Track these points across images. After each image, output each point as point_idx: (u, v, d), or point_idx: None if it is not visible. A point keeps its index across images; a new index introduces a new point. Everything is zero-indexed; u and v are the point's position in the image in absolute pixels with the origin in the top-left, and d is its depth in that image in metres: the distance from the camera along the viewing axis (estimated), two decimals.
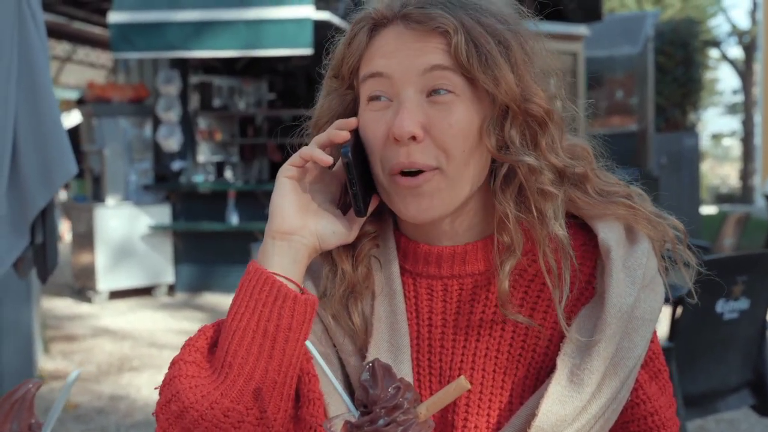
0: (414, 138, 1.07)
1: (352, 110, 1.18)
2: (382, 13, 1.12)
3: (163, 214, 8.94)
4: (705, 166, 26.00)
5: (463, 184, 1.11)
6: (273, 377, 1.05)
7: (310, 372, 1.10)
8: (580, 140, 1.20)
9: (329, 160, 1.10)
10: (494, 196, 1.13)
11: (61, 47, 13.93)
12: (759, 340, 3.22)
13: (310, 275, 1.22)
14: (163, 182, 9.15)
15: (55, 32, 12.22)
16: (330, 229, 1.13)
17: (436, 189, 1.10)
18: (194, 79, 9.58)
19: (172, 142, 8.97)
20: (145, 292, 8.90)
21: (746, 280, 3.05)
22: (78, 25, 11.91)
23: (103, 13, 8.77)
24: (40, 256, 2.98)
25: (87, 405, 5.14)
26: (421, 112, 1.08)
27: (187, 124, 9.29)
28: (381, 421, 0.94)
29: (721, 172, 35.15)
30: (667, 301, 1.19)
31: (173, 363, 1.08)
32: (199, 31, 8.16)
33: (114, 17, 8.11)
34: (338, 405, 1.10)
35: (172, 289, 8.97)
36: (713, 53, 26.23)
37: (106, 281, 8.64)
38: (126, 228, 8.76)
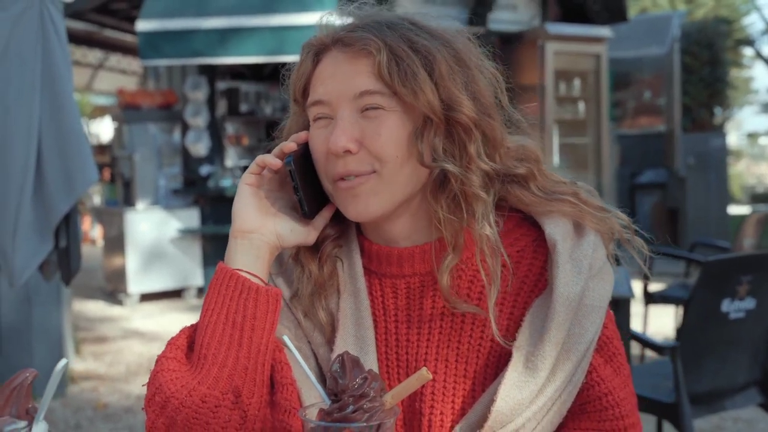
0: (349, 151, 1.19)
1: (308, 128, 1.29)
2: (322, 39, 1.25)
3: (191, 217, 9.08)
4: (741, 166, 25.70)
5: (399, 185, 1.22)
6: (244, 364, 1.16)
7: (282, 361, 1.21)
8: (530, 142, 1.30)
9: (278, 163, 1.23)
10: (427, 199, 1.24)
11: (93, 55, 14.17)
12: (766, 340, 3.25)
13: (285, 278, 1.35)
14: (192, 187, 9.28)
15: (87, 40, 12.46)
16: (288, 227, 1.26)
17: (372, 190, 1.21)
18: (221, 85, 9.72)
19: (200, 147, 9.10)
20: (174, 294, 9.06)
21: (752, 280, 3.08)
22: (109, 33, 12.10)
23: (133, 21, 8.91)
24: (64, 260, 3.10)
25: (116, 404, 5.28)
26: (356, 128, 1.20)
27: (214, 129, 9.42)
28: (349, 408, 1.03)
29: (757, 171, 34.70)
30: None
31: (157, 360, 1.19)
32: (225, 38, 8.28)
33: (142, 25, 8.26)
34: (311, 393, 1.20)
35: (201, 291, 9.10)
36: (747, 51, 25.92)
37: (136, 284, 8.80)
38: (156, 232, 8.90)
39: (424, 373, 1.04)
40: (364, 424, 1.02)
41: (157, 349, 6.58)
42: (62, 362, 0.91)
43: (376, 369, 1.27)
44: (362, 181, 1.21)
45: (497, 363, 1.24)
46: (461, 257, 1.24)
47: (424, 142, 1.21)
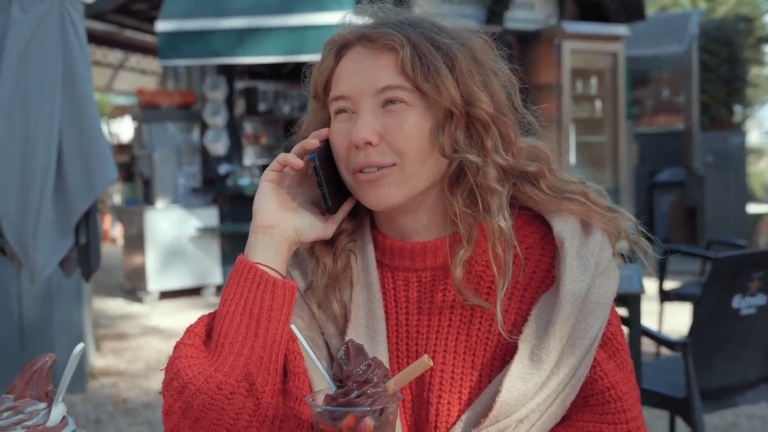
0: (370, 143, 1.23)
1: (325, 124, 1.34)
2: (344, 36, 1.29)
3: (210, 216, 9.15)
4: (763, 164, 25.46)
5: (419, 178, 1.26)
6: (259, 353, 1.20)
7: (295, 351, 1.26)
8: (542, 143, 1.34)
9: (300, 163, 1.27)
10: (444, 193, 1.28)
11: (114, 55, 14.27)
12: None
13: (300, 270, 1.39)
14: (211, 185, 9.35)
15: (107, 41, 12.56)
16: (307, 223, 1.30)
17: (394, 182, 1.25)
18: (240, 85, 9.78)
19: (219, 146, 9.17)
20: (193, 292, 9.14)
21: (762, 276, 3.10)
22: (129, 34, 12.20)
23: (153, 21, 8.99)
24: (84, 256, 3.17)
25: (135, 400, 5.36)
26: (377, 121, 1.24)
27: (233, 128, 9.49)
28: (353, 394, 1.08)
29: None
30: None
31: (176, 347, 1.24)
32: (243, 38, 8.34)
33: (161, 26, 8.33)
34: (320, 381, 1.24)
35: (220, 289, 9.16)
36: None
37: (156, 282, 8.88)
38: (175, 230, 8.98)
39: (426, 361, 1.08)
40: (368, 408, 1.06)
41: None
42: (79, 346, 0.96)
43: (386, 359, 1.32)
44: (384, 173, 1.24)
45: (504, 356, 1.28)
46: (473, 251, 1.28)
47: (445, 135, 1.25)
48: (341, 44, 1.30)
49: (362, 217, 1.38)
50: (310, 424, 1.24)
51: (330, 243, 1.35)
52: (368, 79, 1.25)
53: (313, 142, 1.28)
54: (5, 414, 0.96)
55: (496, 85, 1.29)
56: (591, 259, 1.25)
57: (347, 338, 1.31)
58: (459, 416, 1.28)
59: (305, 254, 1.39)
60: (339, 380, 1.10)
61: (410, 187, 1.27)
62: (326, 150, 1.30)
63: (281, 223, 1.28)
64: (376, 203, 1.28)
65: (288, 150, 1.34)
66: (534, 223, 1.33)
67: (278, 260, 1.27)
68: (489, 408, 1.22)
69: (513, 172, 1.29)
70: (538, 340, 1.23)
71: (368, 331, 1.33)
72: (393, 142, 1.24)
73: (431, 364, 1.08)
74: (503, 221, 1.26)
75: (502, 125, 1.27)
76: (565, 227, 1.27)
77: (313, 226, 1.30)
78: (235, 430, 1.19)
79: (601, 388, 1.26)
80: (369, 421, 1.06)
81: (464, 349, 1.30)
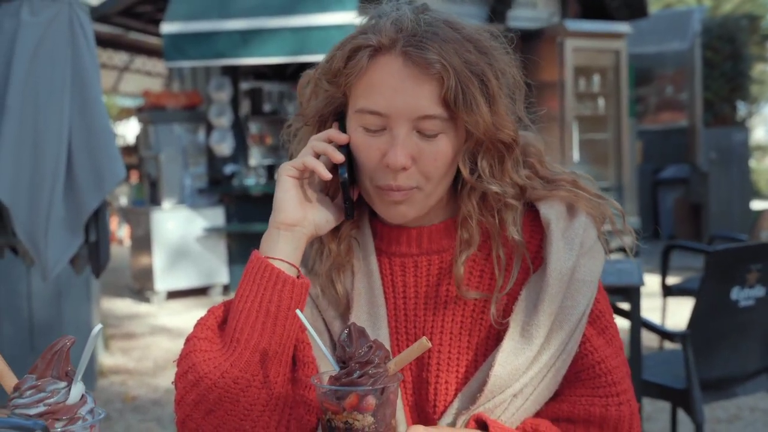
0: (404, 168, 1.27)
1: (337, 111, 1.37)
2: (383, 43, 1.27)
3: (217, 216, 9.20)
4: None
5: (436, 196, 1.34)
6: (275, 348, 1.26)
7: (304, 341, 1.32)
8: (533, 136, 1.40)
9: (329, 176, 1.30)
10: (461, 200, 1.35)
11: (119, 57, 14.34)
12: None
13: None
14: (217, 186, 9.41)
15: (112, 43, 12.62)
16: (324, 218, 1.35)
17: (415, 201, 1.31)
18: (245, 86, 9.83)
19: (224, 146, 9.22)
20: (200, 292, 9.20)
21: (761, 268, 3.15)
22: (134, 36, 12.26)
23: (157, 23, 9.04)
24: (94, 253, 3.23)
25: (144, 397, 5.42)
26: (413, 146, 1.28)
27: (238, 129, 9.53)
28: (356, 374, 1.13)
29: None
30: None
31: (188, 340, 1.29)
32: (248, 39, 8.39)
33: (167, 28, 8.39)
34: (325, 365, 1.30)
35: (226, 288, 9.24)
36: None
37: (163, 282, 8.95)
38: (182, 230, 9.03)
39: (424, 342, 1.14)
40: (370, 387, 1.12)
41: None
42: (98, 327, 1.01)
43: (387, 342, 1.38)
44: (408, 195, 1.30)
45: (497, 335, 1.35)
46: (478, 249, 1.36)
47: (473, 161, 1.31)
48: (378, 48, 1.28)
49: (362, 205, 1.42)
50: (317, 409, 1.30)
51: (335, 229, 1.40)
52: (409, 103, 1.25)
53: (339, 156, 1.30)
54: (28, 392, 1.02)
55: (507, 92, 1.32)
56: (576, 240, 1.31)
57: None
58: (456, 394, 1.34)
59: None
60: (342, 361, 1.16)
61: (425, 206, 1.34)
62: (347, 155, 1.32)
63: (303, 221, 1.32)
64: (395, 219, 1.34)
65: (287, 138, 1.42)
66: (522, 209, 1.38)
67: (297, 255, 1.32)
68: (484, 384, 1.29)
69: (527, 188, 1.35)
70: (528, 317, 1.29)
71: (370, 317, 1.39)
72: (424, 168, 1.28)
73: (429, 345, 1.14)
74: (517, 235, 1.33)
75: (520, 143, 1.33)
76: (551, 210, 1.34)
77: (328, 221, 1.35)
78: (248, 419, 1.25)
79: (591, 362, 1.32)
80: (371, 400, 1.12)
81: (460, 331, 1.36)
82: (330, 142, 1.32)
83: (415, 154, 1.27)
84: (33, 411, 1.01)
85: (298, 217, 1.31)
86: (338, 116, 1.37)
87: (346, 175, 1.30)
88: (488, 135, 1.27)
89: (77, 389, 1.03)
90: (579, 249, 1.31)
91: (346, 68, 1.30)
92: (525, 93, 1.39)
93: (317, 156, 1.32)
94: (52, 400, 1.02)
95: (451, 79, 1.23)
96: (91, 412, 1.05)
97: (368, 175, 1.31)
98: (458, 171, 1.34)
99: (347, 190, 1.31)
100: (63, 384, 1.03)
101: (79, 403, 1.04)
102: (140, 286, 9.33)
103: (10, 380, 1.07)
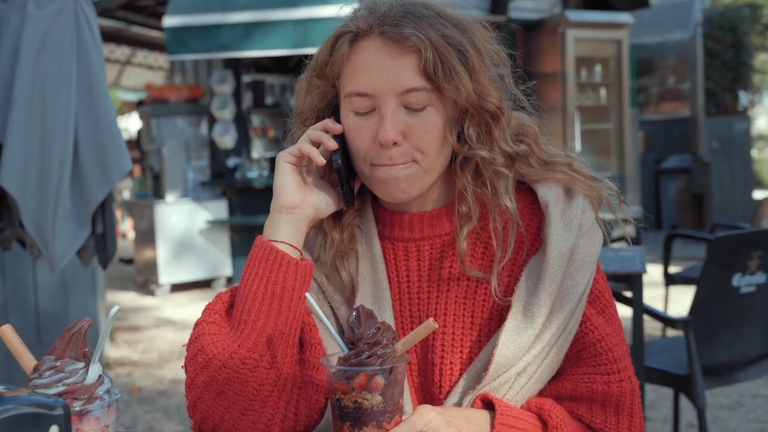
0: (395, 143, 1.31)
1: (331, 104, 1.41)
2: (361, 27, 1.33)
3: (220, 209, 9.23)
4: None
5: (434, 171, 1.36)
6: (281, 329, 1.29)
7: (311, 323, 1.36)
8: (528, 118, 1.43)
9: (323, 161, 1.34)
10: (455, 174, 1.37)
11: (121, 51, 14.35)
12: None
13: (306, 246, 1.47)
14: (220, 178, 9.43)
15: (114, 37, 12.64)
16: (324, 201, 1.38)
17: (411, 176, 1.34)
18: (247, 78, 9.86)
19: (227, 139, 9.24)
20: (204, 284, 9.24)
21: (762, 254, 3.17)
22: (136, 30, 12.27)
23: (159, 17, 9.07)
24: (101, 245, 3.26)
25: (150, 388, 5.46)
26: (402, 121, 1.32)
27: (241, 121, 9.55)
28: (364, 355, 1.16)
29: None
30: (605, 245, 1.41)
31: (197, 324, 1.33)
32: (250, 31, 8.41)
33: (169, 21, 8.41)
34: (333, 346, 1.33)
35: (230, 281, 9.28)
36: None
37: (167, 275, 8.98)
38: (185, 223, 9.07)
39: (431, 323, 1.17)
40: (378, 368, 1.15)
41: (188, 337, 6.73)
42: (115, 308, 1.05)
43: (393, 325, 1.40)
44: (404, 170, 1.33)
45: (500, 316, 1.38)
46: (477, 225, 1.38)
47: (458, 130, 1.34)
48: (356, 34, 1.34)
49: (364, 193, 1.46)
50: (326, 390, 1.33)
51: (337, 219, 1.44)
52: (391, 79, 1.30)
53: (333, 143, 1.34)
54: (47, 373, 1.05)
55: (493, 69, 1.37)
56: (574, 221, 1.35)
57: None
58: (461, 374, 1.38)
59: (311, 230, 1.47)
60: (351, 342, 1.19)
61: (425, 183, 1.36)
62: (341, 144, 1.36)
63: (302, 203, 1.36)
64: (393, 199, 1.37)
65: (285, 135, 1.44)
66: (521, 191, 1.42)
67: (299, 237, 1.36)
68: (488, 363, 1.32)
69: (516, 156, 1.38)
70: (529, 297, 1.33)
71: (374, 300, 1.43)
72: (416, 142, 1.32)
73: (436, 326, 1.17)
74: (509, 202, 1.36)
75: (506, 112, 1.36)
76: (549, 193, 1.37)
77: (328, 204, 1.39)
78: (258, 399, 1.29)
79: (592, 341, 1.36)
80: (379, 380, 1.15)
81: (463, 312, 1.40)
82: (326, 132, 1.37)
83: (405, 128, 1.31)
84: (52, 390, 1.04)
85: (298, 199, 1.35)
86: (333, 111, 1.41)
87: (340, 161, 1.34)
88: (471, 103, 1.31)
89: (95, 370, 1.07)
90: (578, 230, 1.34)
91: (330, 58, 1.36)
92: (525, 81, 1.43)
93: (303, 156, 1.36)
94: (70, 380, 1.05)
95: (428, 50, 1.28)
96: (108, 392, 1.08)
97: (363, 157, 1.35)
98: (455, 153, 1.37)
99: (342, 175, 1.35)
100: (81, 365, 1.06)
101: (97, 383, 1.07)
102: (144, 279, 9.37)
103: (29, 361, 1.10)
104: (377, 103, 1.32)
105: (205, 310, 1.34)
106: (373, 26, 1.32)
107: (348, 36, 1.34)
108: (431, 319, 1.17)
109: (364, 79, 1.32)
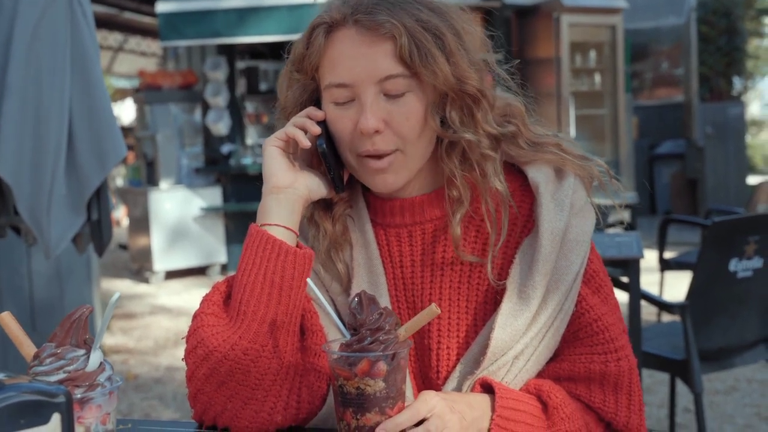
0: (377, 131, 1.30)
1: (313, 97, 1.41)
2: (335, 18, 1.33)
3: (214, 196, 9.21)
4: (765, 135, 25.44)
5: (419, 157, 1.36)
6: (282, 318, 1.28)
7: (311, 310, 1.35)
8: (514, 98, 1.42)
9: (308, 144, 1.33)
10: (442, 161, 1.37)
11: (113, 37, 14.30)
12: None
13: (301, 237, 1.44)
14: (214, 165, 9.40)
15: (106, 23, 12.58)
16: (315, 183, 1.37)
17: (398, 166, 1.34)
18: (241, 65, 9.81)
19: (221, 126, 9.20)
20: (199, 271, 9.23)
21: (758, 239, 3.18)
22: (129, 16, 12.24)
23: (152, 3, 9.02)
24: (96, 232, 3.24)
25: (146, 375, 5.46)
26: (382, 109, 1.31)
27: (235, 108, 9.52)
28: (367, 340, 1.16)
29: None
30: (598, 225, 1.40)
31: (195, 316, 1.31)
32: (243, 17, 8.38)
33: (162, 7, 8.37)
34: (334, 333, 1.33)
35: (224, 268, 9.27)
36: None
37: (161, 262, 8.96)
38: (179, 210, 9.04)
39: (434, 309, 1.16)
40: (381, 353, 1.14)
41: (184, 324, 6.75)
42: (116, 296, 1.04)
43: None
44: (391, 160, 1.33)
45: (495, 300, 1.38)
46: (470, 208, 1.38)
47: (440, 115, 1.33)
48: (331, 25, 1.33)
49: (354, 181, 1.45)
50: (328, 376, 1.33)
51: (329, 210, 1.44)
52: (368, 68, 1.30)
53: (316, 129, 1.34)
54: (48, 360, 1.04)
55: (474, 51, 1.36)
56: (566, 201, 1.34)
57: (352, 294, 1.40)
58: (458, 359, 1.37)
59: (305, 222, 1.46)
60: (353, 328, 1.18)
61: (412, 169, 1.36)
62: (325, 132, 1.36)
63: (294, 182, 1.35)
64: (383, 188, 1.37)
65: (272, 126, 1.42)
66: (511, 172, 1.41)
67: (293, 219, 1.34)
68: (486, 347, 1.32)
69: (501, 137, 1.38)
70: (524, 279, 1.32)
71: (370, 286, 1.42)
72: (399, 130, 1.32)
73: (439, 311, 1.16)
74: (499, 184, 1.35)
75: (487, 94, 1.35)
76: (539, 174, 1.37)
77: (320, 186, 1.38)
78: (260, 388, 1.28)
79: (588, 320, 1.35)
80: (382, 365, 1.15)
81: (458, 297, 1.40)
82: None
83: (386, 116, 1.31)
84: (53, 378, 1.03)
85: (289, 179, 1.34)
86: (315, 103, 1.40)
87: (324, 146, 1.33)
88: (450, 86, 1.31)
89: (96, 357, 1.06)
90: (570, 210, 1.34)
91: (307, 51, 1.35)
92: (509, 61, 1.42)
93: (289, 139, 1.35)
94: (71, 367, 1.04)
95: (402, 36, 1.28)
96: (109, 379, 1.08)
97: (347, 147, 1.35)
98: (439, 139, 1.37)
99: (329, 159, 1.34)
100: (82, 352, 1.06)
101: (98, 371, 1.06)
102: (139, 267, 9.35)
103: (29, 348, 1.09)
104: (356, 92, 1.31)
105: (202, 302, 1.33)
106: (347, 16, 1.32)
107: (323, 27, 1.33)
108: (434, 305, 1.16)
109: (342, 69, 1.32)
